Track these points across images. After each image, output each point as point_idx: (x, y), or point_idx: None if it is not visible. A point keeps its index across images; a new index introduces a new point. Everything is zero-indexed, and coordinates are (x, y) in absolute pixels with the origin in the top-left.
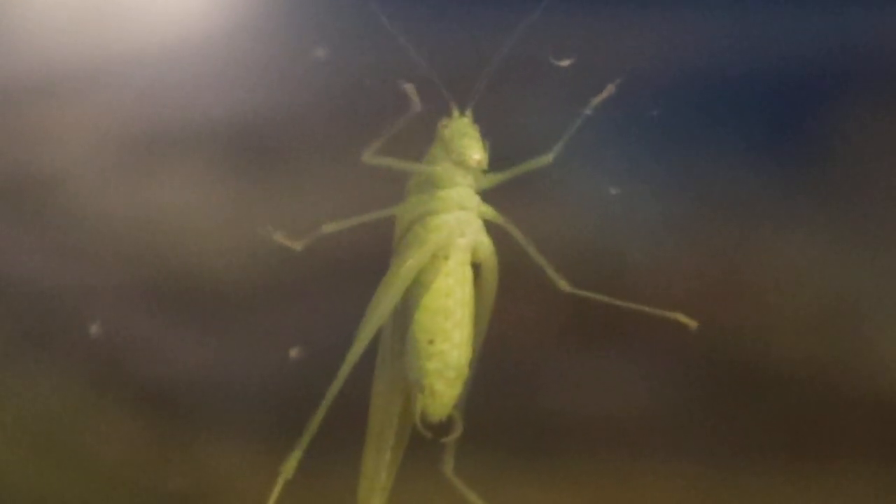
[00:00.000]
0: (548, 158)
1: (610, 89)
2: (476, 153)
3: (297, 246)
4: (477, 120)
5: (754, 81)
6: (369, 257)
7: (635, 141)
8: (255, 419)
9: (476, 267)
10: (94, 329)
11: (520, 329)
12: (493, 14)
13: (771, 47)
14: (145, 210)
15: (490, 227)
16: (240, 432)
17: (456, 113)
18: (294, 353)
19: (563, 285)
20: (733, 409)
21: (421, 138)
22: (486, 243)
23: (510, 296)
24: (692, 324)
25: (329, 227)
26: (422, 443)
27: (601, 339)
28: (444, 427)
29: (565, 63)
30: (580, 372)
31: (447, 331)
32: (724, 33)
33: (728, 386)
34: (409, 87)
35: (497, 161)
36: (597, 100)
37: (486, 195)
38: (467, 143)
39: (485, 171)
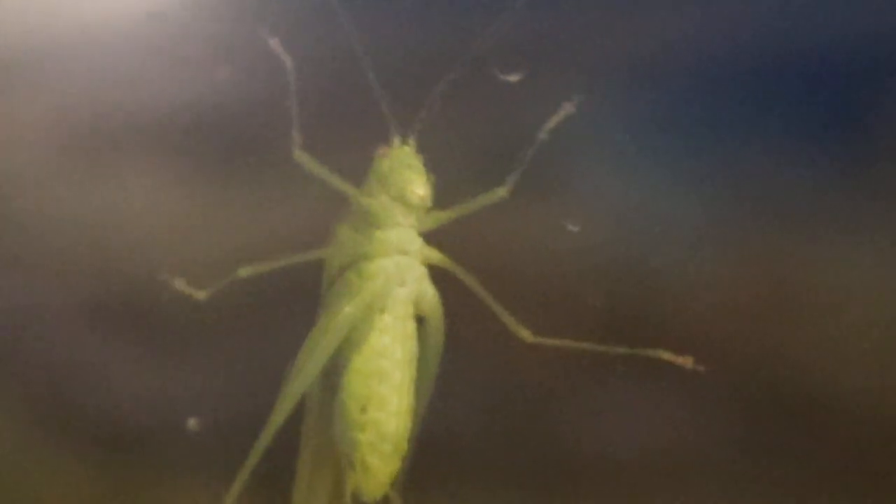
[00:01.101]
0: (502, 192)
1: (568, 109)
2: (419, 188)
3: (201, 295)
4: (421, 148)
5: (802, 64)
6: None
7: (655, 136)
8: (215, 459)
9: (419, 321)
10: (35, 357)
11: (536, 360)
12: (442, 32)
13: (817, 23)
14: (90, 217)
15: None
16: (199, 474)
17: (397, 140)
18: (192, 424)
19: (525, 335)
20: (778, 448)
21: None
22: (430, 293)
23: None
24: (687, 362)
25: (244, 272)
26: None
27: (626, 370)
28: None
29: (514, 78)
30: (604, 407)
31: (383, 397)
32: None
33: (771, 420)
34: (275, 43)
35: (443, 195)
36: (553, 122)
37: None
38: (409, 175)
39: (429, 209)
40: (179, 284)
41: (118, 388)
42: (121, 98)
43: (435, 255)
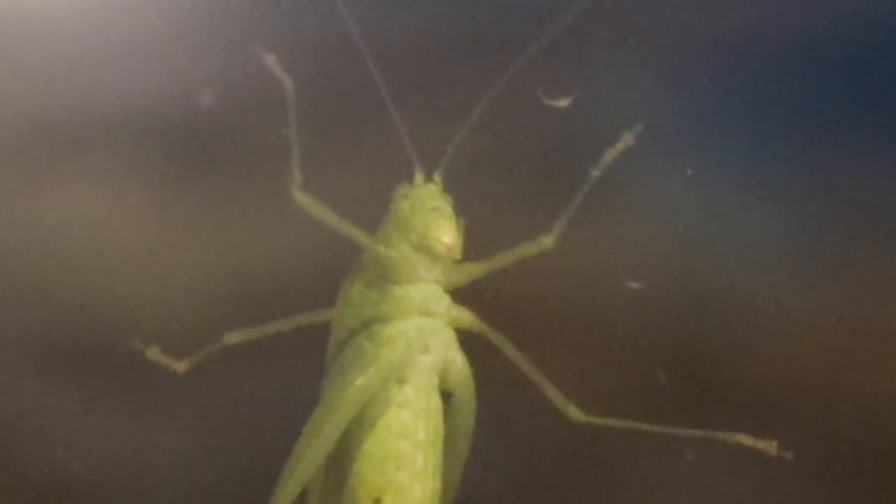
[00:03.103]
0: (548, 241)
1: (627, 140)
2: (446, 235)
3: (180, 367)
4: (449, 187)
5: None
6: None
7: (726, 172)
8: None
9: (446, 395)
10: None
11: (586, 440)
12: (476, 49)
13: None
14: (35, 234)
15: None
16: None
17: (420, 176)
18: None
19: (575, 413)
20: None
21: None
22: (459, 362)
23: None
24: (770, 448)
25: (232, 338)
26: None
27: (690, 447)
28: None
29: (563, 103)
30: (666, 490)
31: (401, 486)
32: None
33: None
34: (271, 59)
35: (475, 244)
36: (609, 156)
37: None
38: (434, 220)
39: (458, 261)
40: (153, 354)
41: (68, 446)
42: (80, 94)
43: (465, 317)
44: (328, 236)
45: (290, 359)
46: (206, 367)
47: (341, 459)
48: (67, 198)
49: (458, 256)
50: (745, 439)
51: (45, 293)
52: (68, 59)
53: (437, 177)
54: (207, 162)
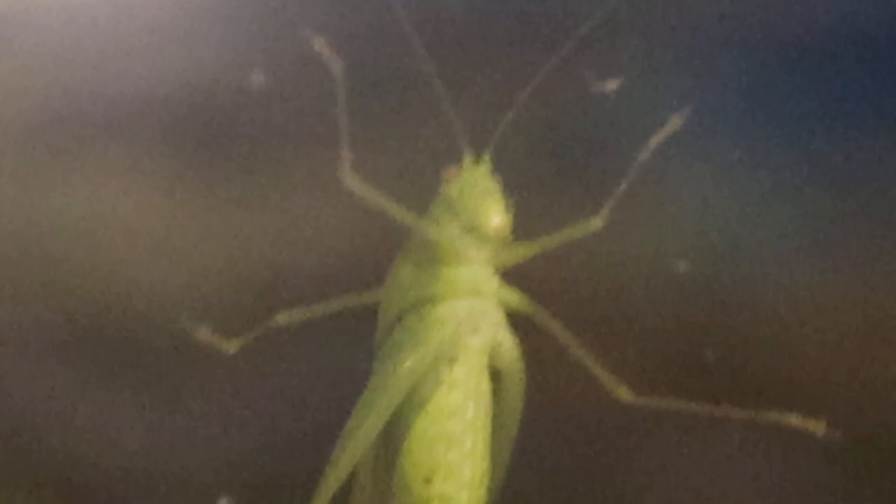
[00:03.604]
0: (597, 222)
1: (676, 122)
2: (495, 216)
3: (231, 348)
4: (498, 168)
5: None
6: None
7: (774, 151)
8: None
9: (495, 376)
10: None
11: (635, 421)
12: (524, 31)
13: None
14: (52, 223)
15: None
16: None
17: (469, 158)
18: None
19: (625, 394)
20: None
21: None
22: (508, 343)
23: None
24: (819, 427)
25: (282, 318)
26: None
27: (739, 431)
28: None
29: (612, 86)
30: (714, 475)
31: (451, 466)
32: None
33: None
34: (320, 43)
35: (523, 227)
36: (659, 138)
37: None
38: (484, 201)
39: (508, 242)
40: (203, 334)
41: (90, 432)
42: (93, 83)
43: (514, 298)
44: (372, 221)
45: (338, 342)
46: (251, 351)
47: (391, 440)
48: (91, 186)
49: (508, 238)
50: (793, 419)
51: (61, 282)
52: (92, 48)
53: (486, 158)
54: (237, 150)
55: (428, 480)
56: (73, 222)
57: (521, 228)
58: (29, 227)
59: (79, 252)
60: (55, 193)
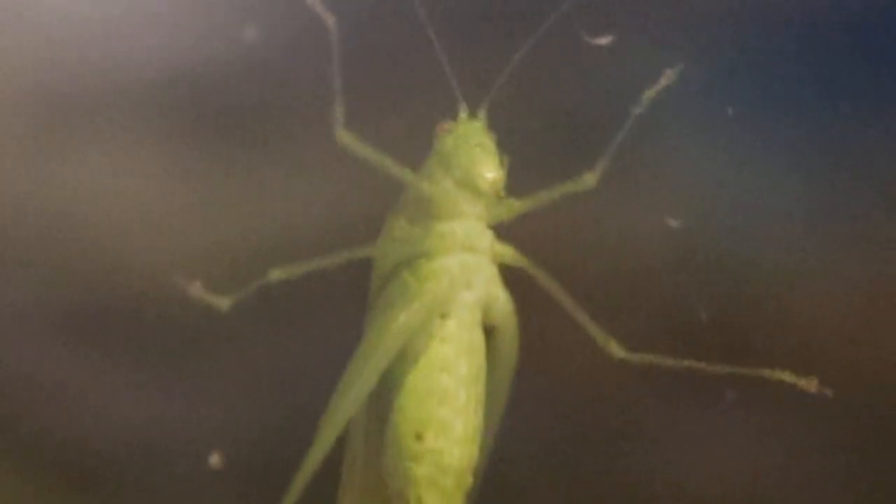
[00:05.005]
0: (590, 179)
1: (669, 78)
2: (490, 171)
3: (224, 304)
4: (493, 123)
5: None
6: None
7: (768, 111)
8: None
9: (488, 331)
10: None
11: (627, 378)
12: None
13: None
14: (55, 203)
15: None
16: None
17: (464, 113)
18: (214, 460)
19: (615, 348)
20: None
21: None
22: (502, 298)
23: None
24: (810, 385)
25: (276, 274)
26: None
27: (732, 390)
28: None
29: (605, 41)
30: (705, 436)
31: (443, 421)
32: None
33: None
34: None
35: (518, 181)
36: (651, 94)
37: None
38: (478, 156)
39: (502, 197)
40: (196, 290)
41: (95, 412)
42: (100, 60)
43: (508, 253)
44: (369, 186)
45: (332, 300)
46: (246, 312)
47: (384, 395)
48: (90, 167)
49: (502, 193)
50: (786, 376)
51: (70, 262)
52: (89, 24)
53: (481, 114)
54: (232, 130)
55: (419, 436)
56: (67, 206)
57: (515, 184)
58: (27, 207)
59: (78, 231)
60: (65, 172)
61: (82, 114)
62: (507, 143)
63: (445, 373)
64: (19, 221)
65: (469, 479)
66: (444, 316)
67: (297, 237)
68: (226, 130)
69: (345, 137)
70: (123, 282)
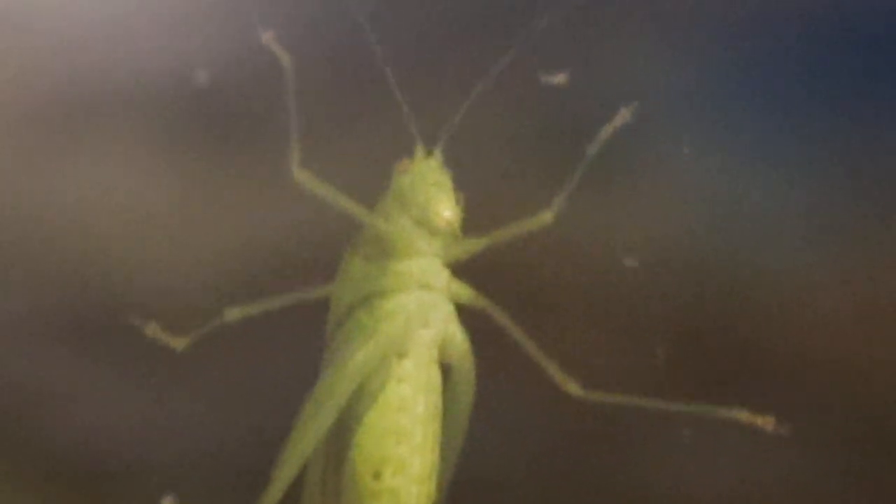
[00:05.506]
0: (547, 217)
1: (625, 116)
2: (446, 209)
3: (179, 345)
4: (449, 162)
5: None
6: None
7: (730, 142)
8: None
9: (445, 369)
10: None
11: (586, 414)
12: (473, 25)
13: None
14: (54, 209)
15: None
16: None
17: (420, 151)
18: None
19: (573, 388)
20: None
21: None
22: (458, 336)
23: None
24: (767, 423)
25: (231, 314)
26: None
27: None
28: None
29: (559, 79)
30: (668, 465)
31: (401, 459)
32: None
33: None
34: (268, 35)
35: (474, 220)
36: (606, 132)
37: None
38: (435, 194)
39: (458, 235)
40: (152, 331)
41: (91, 420)
42: (93, 65)
43: (464, 291)
44: (328, 214)
45: (291, 334)
46: (209, 342)
47: (341, 433)
48: (82, 173)
49: (458, 231)
50: (742, 415)
51: (61, 267)
52: (91, 29)
53: (437, 152)
54: (206, 140)
55: (377, 475)
56: (65, 210)
57: (472, 222)
58: (23, 215)
59: (77, 238)
60: (56, 177)
61: (83, 121)
62: (464, 180)
63: (403, 412)
64: (18, 227)
65: None
66: (400, 355)
67: (298, 243)
68: (228, 137)
69: (301, 175)
70: (121, 288)
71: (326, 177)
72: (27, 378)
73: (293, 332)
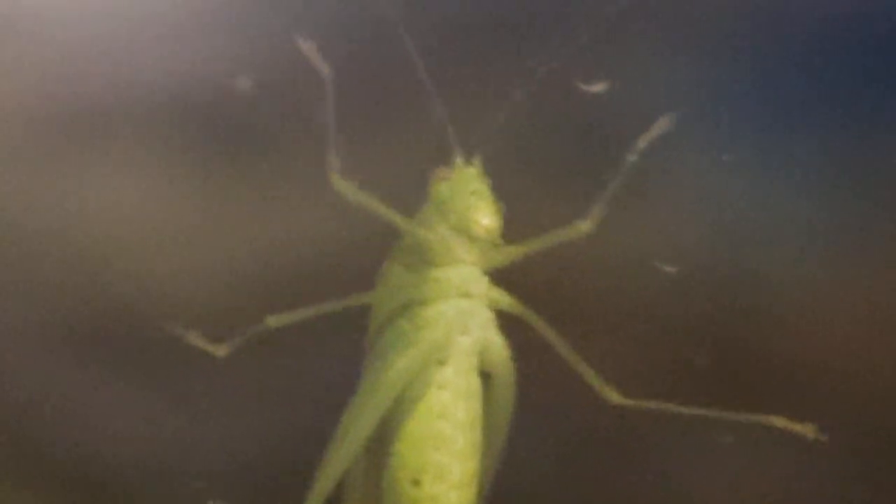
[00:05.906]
0: (585, 226)
1: (664, 125)
2: (485, 217)
3: (220, 352)
4: (488, 170)
5: None
6: None
7: (765, 153)
8: None
9: (485, 376)
10: None
11: (624, 421)
12: (514, 35)
13: None
14: (58, 219)
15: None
16: None
17: (459, 160)
18: None
19: (612, 396)
20: None
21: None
22: (498, 343)
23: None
24: (807, 431)
25: (273, 321)
26: None
27: (731, 429)
28: None
29: (599, 88)
30: (705, 474)
31: (441, 466)
32: None
33: None
34: (310, 46)
35: (513, 227)
36: (646, 140)
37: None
38: (474, 202)
39: (497, 243)
40: (194, 339)
41: (96, 429)
42: (106, 76)
43: (504, 299)
44: (364, 221)
45: (330, 342)
46: (244, 351)
47: (382, 441)
48: (94, 183)
49: (497, 239)
50: (781, 422)
51: (74, 278)
52: (99, 43)
53: (476, 160)
54: (241, 148)
55: (417, 482)
56: (74, 218)
57: (511, 230)
58: (29, 222)
59: (80, 247)
60: (68, 188)
61: (86, 131)
62: (503, 189)
63: (443, 419)
64: (21, 237)
65: None
66: (440, 363)
67: (303, 255)
68: (233, 148)
69: (339, 184)
70: (126, 298)
71: (365, 185)
72: (31, 388)
73: (334, 339)
